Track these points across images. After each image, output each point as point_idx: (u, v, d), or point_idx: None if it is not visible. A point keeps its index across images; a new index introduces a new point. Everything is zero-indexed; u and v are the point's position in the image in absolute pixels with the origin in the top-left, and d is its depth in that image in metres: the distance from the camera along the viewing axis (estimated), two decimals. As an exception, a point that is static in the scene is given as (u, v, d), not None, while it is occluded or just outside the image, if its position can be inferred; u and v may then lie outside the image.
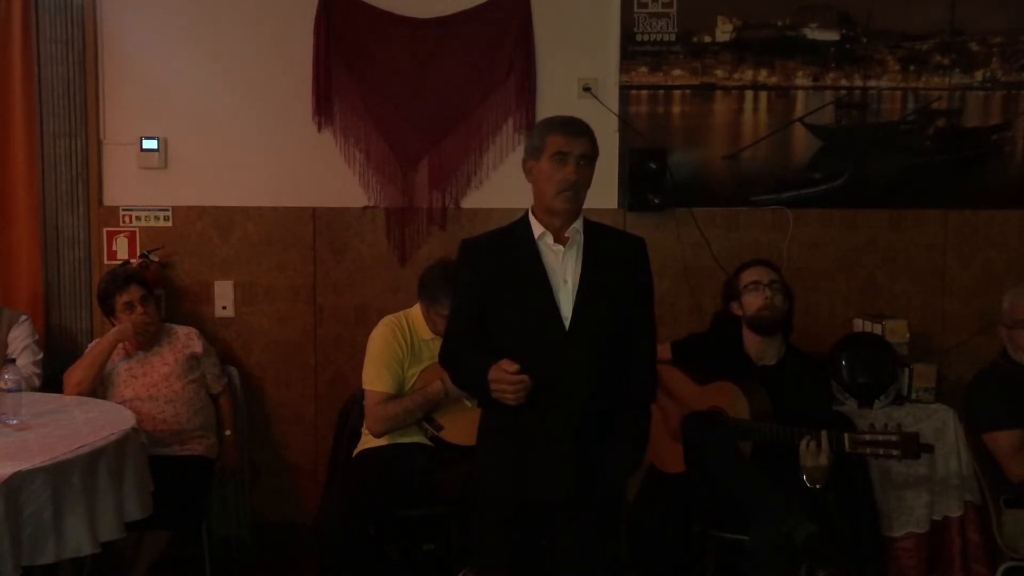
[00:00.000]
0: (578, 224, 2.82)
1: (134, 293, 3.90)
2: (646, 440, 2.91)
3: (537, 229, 2.81)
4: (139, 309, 3.89)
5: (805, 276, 4.36)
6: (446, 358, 2.93)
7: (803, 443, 3.23)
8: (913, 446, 3.15)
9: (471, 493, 3.01)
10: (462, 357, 2.85)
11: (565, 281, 2.77)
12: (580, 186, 2.78)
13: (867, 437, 3.20)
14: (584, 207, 4.38)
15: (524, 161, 2.86)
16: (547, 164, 2.77)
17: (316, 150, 4.39)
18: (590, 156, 2.81)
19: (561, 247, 2.79)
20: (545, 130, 2.83)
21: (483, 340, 2.80)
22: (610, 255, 2.84)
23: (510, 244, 2.84)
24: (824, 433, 3.22)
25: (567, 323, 2.74)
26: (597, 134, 4.39)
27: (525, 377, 2.62)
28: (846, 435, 3.22)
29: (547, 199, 2.78)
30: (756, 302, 3.55)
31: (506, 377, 2.62)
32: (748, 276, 3.61)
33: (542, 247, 2.80)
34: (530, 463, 2.74)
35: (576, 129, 2.81)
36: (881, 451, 3.18)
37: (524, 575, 2.83)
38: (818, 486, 3.26)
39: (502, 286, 2.80)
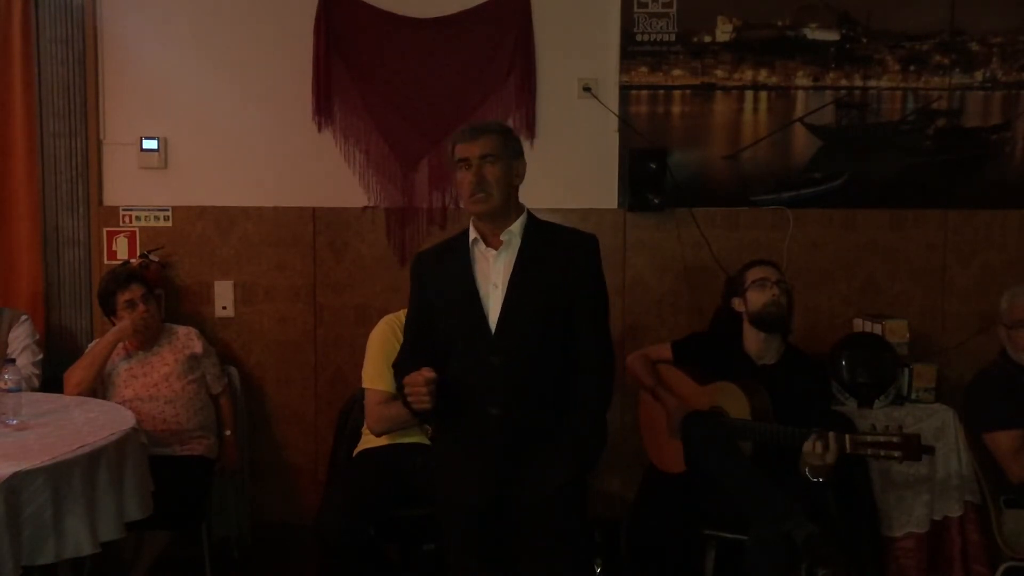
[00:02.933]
0: (515, 227, 2.81)
1: (136, 291, 3.91)
2: (595, 444, 2.84)
3: (472, 234, 2.84)
4: (140, 307, 3.89)
5: (805, 276, 4.36)
6: (394, 372, 2.97)
7: (809, 443, 3.22)
8: (914, 448, 3.15)
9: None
10: (401, 371, 2.88)
11: (495, 285, 2.77)
12: (488, 185, 2.76)
13: (868, 438, 3.20)
14: (584, 207, 4.42)
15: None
16: (456, 173, 2.83)
17: (316, 150, 4.39)
18: (495, 153, 2.77)
19: (493, 251, 2.79)
20: (453, 140, 2.86)
21: (428, 353, 2.84)
22: (549, 255, 2.81)
23: (451, 253, 2.88)
24: (832, 434, 3.22)
25: (493, 327, 2.74)
26: (597, 134, 4.44)
27: (419, 381, 2.64)
28: (847, 436, 3.22)
29: (463, 204, 2.84)
30: (762, 298, 3.56)
31: (414, 379, 2.66)
32: (755, 273, 3.62)
33: (476, 253, 2.82)
34: (460, 468, 2.78)
35: (471, 134, 2.81)
36: (882, 452, 3.18)
37: None
38: (820, 479, 3.25)
39: (440, 295, 2.85)
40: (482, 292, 2.78)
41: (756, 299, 3.57)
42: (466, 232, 2.91)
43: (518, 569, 2.82)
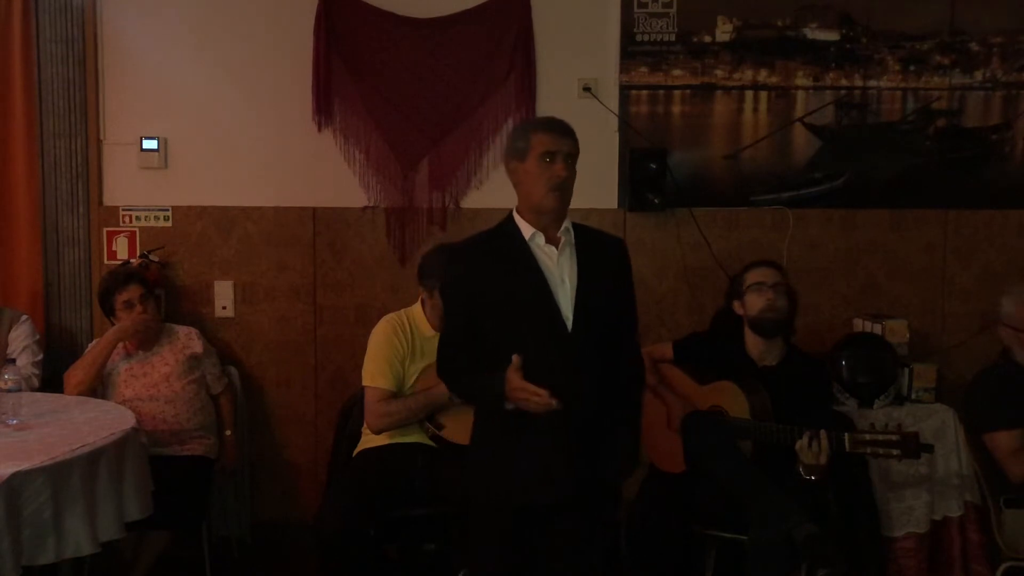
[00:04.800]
0: (567, 224, 2.81)
1: (133, 292, 3.90)
2: (640, 437, 2.95)
3: (527, 230, 2.78)
4: (138, 308, 3.89)
5: (805, 276, 4.36)
6: (446, 369, 2.89)
7: (804, 440, 3.22)
8: (913, 445, 3.15)
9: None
10: (464, 368, 2.81)
11: (563, 281, 2.75)
12: (568, 184, 2.77)
13: (867, 437, 3.20)
14: (584, 207, 4.42)
15: (507, 163, 2.83)
16: (534, 164, 2.74)
17: (316, 150, 4.39)
18: (575, 155, 2.80)
19: (554, 248, 2.77)
20: (529, 130, 2.80)
21: (480, 347, 2.76)
22: (600, 255, 2.83)
23: (500, 247, 2.80)
24: (823, 433, 3.22)
25: (569, 324, 2.72)
26: (597, 134, 4.46)
27: (545, 393, 2.59)
28: (846, 435, 3.22)
29: (536, 199, 2.75)
30: (759, 303, 3.55)
31: (528, 387, 2.60)
32: (753, 276, 3.61)
33: (534, 248, 2.77)
34: (533, 466, 2.72)
35: (561, 128, 2.79)
36: (881, 451, 3.18)
37: None
38: (813, 478, 3.25)
39: (497, 290, 2.75)
40: (553, 289, 2.74)
41: (753, 303, 3.57)
42: (504, 227, 2.83)
43: (544, 564, 2.82)
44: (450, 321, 2.90)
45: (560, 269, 2.76)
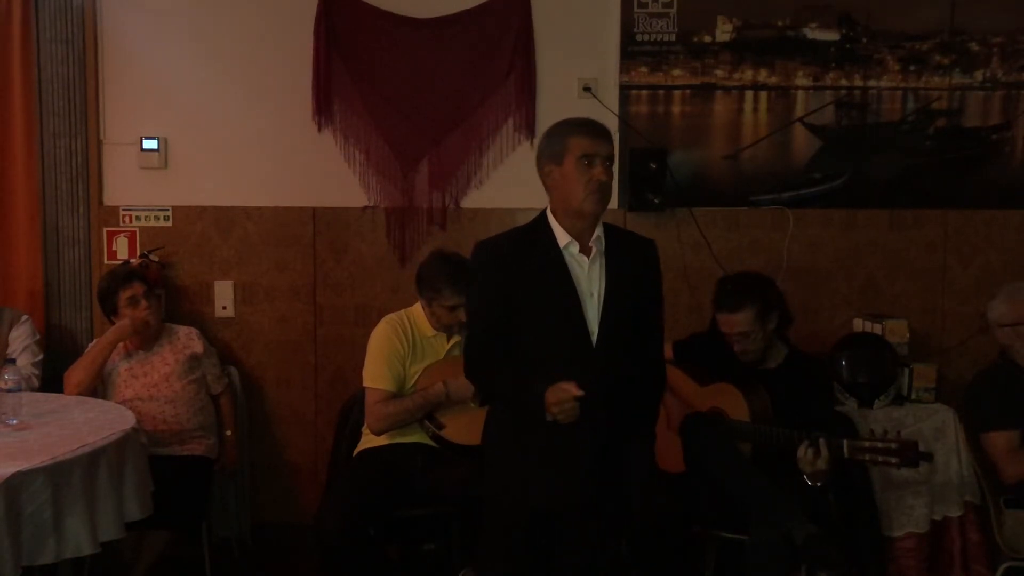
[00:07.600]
0: (599, 231, 2.76)
1: (137, 288, 3.90)
2: (655, 444, 2.94)
3: (562, 237, 2.73)
4: (143, 304, 3.89)
5: (805, 276, 4.36)
6: (475, 369, 2.84)
7: (801, 449, 3.22)
8: (912, 454, 3.14)
9: (473, 493, 2.99)
10: (496, 370, 2.78)
11: (591, 295, 2.72)
12: (608, 187, 2.72)
13: (866, 444, 3.19)
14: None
15: (542, 166, 2.76)
16: (572, 167, 2.69)
17: (316, 150, 4.39)
18: (612, 158, 2.76)
19: (585, 258, 2.73)
20: (565, 132, 2.73)
21: (506, 347, 2.73)
22: (629, 262, 2.79)
23: (533, 250, 2.75)
24: (822, 440, 3.21)
25: (594, 338, 2.70)
26: (597, 134, 4.42)
27: (579, 395, 2.59)
28: (845, 442, 3.21)
29: (576, 202, 2.69)
30: (736, 347, 3.53)
31: (563, 396, 2.59)
32: (721, 322, 3.54)
33: (567, 257, 2.73)
34: (551, 473, 2.72)
35: (599, 130, 2.74)
36: (880, 458, 3.16)
37: None
38: (818, 484, 3.25)
39: (527, 294, 2.71)
40: (582, 303, 2.71)
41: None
42: (537, 229, 2.78)
43: (553, 569, 2.83)
44: (478, 320, 2.84)
45: (590, 282, 2.73)
